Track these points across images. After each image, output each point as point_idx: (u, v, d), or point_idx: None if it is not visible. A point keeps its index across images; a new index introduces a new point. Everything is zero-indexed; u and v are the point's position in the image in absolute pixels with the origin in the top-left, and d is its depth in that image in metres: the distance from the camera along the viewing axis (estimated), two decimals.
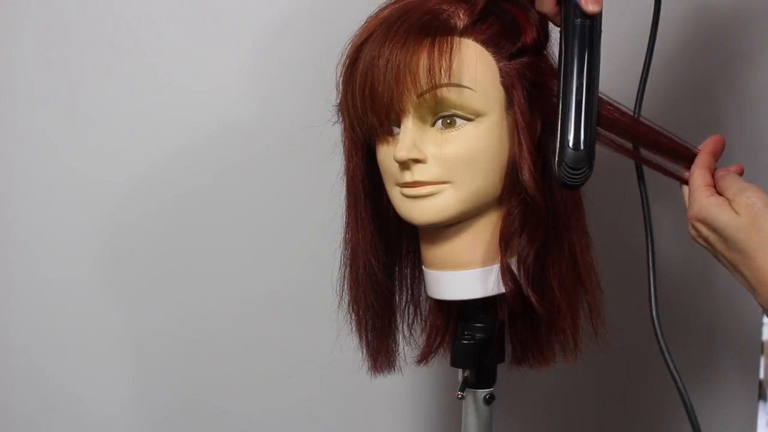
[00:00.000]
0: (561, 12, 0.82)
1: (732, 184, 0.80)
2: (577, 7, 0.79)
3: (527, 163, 0.84)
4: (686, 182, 0.85)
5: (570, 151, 0.78)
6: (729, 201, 0.78)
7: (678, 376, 0.84)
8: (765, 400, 1.45)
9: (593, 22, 0.80)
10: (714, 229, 0.77)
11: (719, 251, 0.78)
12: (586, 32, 0.80)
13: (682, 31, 1.25)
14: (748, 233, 0.75)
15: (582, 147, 0.78)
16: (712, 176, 0.84)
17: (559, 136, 0.79)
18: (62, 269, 1.29)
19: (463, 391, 0.92)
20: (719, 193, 0.81)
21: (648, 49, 0.89)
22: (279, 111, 1.27)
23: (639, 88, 0.89)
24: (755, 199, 0.76)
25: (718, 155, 0.85)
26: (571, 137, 0.78)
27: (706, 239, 0.79)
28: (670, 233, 1.32)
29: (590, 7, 0.79)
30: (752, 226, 0.75)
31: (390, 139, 0.85)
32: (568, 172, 0.78)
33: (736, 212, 0.76)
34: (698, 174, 0.83)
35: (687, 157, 0.86)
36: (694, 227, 0.80)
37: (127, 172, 1.28)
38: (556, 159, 0.79)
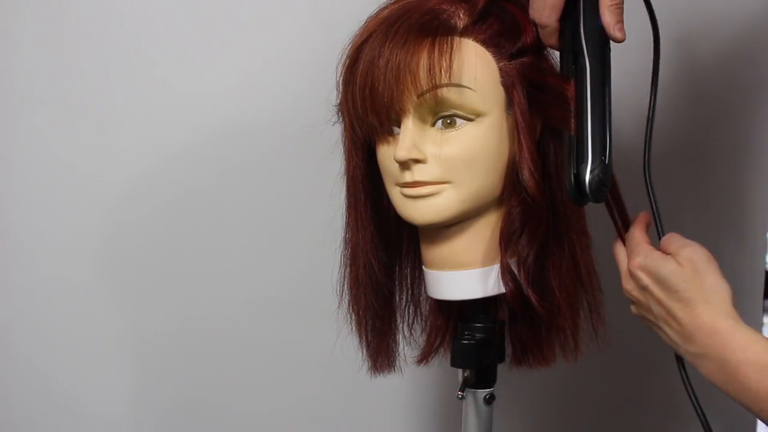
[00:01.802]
0: (578, 34, 0.82)
1: (674, 241, 0.82)
2: (603, 32, 0.81)
3: (527, 163, 0.84)
4: (622, 239, 0.87)
5: (605, 167, 0.80)
6: (672, 255, 0.81)
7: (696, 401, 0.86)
8: None
9: (609, 47, 0.83)
10: (657, 279, 0.80)
11: (657, 299, 0.80)
12: (607, 56, 0.83)
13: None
14: (691, 283, 0.78)
15: (611, 162, 0.82)
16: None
17: (590, 152, 0.80)
18: (62, 269, 1.29)
19: (463, 391, 0.92)
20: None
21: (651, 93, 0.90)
22: (279, 111, 1.27)
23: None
24: (697, 256, 0.79)
25: (647, 229, 0.88)
26: (605, 153, 0.81)
27: (644, 288, 0.81)
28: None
29: (619, 35, 0.81)
30: (695, 278, 0.78)
31: (390, 139, 0.85)
32: (601, 187, 0.81)
33: (680, 264, 0.79)
34: (640, 231, 0.86)
35: (623, 216, 0.89)
36: (634, 276, 0.82)
37: (127, 173, 1.28)
38: (587, 175, 0.80)
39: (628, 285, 0.84)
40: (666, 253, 0.82)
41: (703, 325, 0.77)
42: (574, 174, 0.81)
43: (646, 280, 0.81)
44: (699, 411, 0.86)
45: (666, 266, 0.79)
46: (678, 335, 0.79)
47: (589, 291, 0.93)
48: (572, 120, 0.81)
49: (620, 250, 0.86)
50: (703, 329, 0.77)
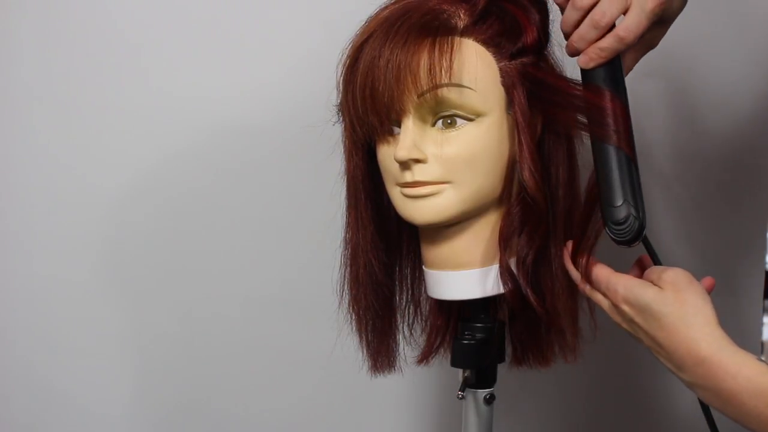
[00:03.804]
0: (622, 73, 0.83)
1: (654, 269, 0.81)
2: None
3: (528, 163, 0.84)
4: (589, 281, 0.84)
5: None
6: (653, 281, 0.79)
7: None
8: None
9: None
10: (640, 309, 0.77)
11: (644, 331, 0.78)
12: None
13: None
14: (672, 306, 0.75)
15: None
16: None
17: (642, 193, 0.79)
18: (62, 270, 1.29)
19: (463, 391, 0.92)
20: None
21: None
22: (279, 111, 1.27)
23: None
24: (678, 277, 0.77)
25: None
26: None
27: (630, 321, 0.79)
28: (669, 233, 1.32)
29: None
30: (676, 299, 0.76)
31: (390, 139, 0.85)
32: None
33: (661, 287, 0.77)
34: (603, 266, 0.83)
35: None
36: (619, 311, 0.80)
37: (127, 173, 1.28)
38: (644, 219, 0.78)
39: (616, 318, 0.82)
40: (648, 280, 0.80)
41: (689, 352, 0.74)
42: (642, 214, 0.78)
43: (630, 312, 0.79)
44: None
45: (646, 293, 0.77)
46: (670, 363, 0.77)
47: (573, 293, 0.92)
48: (624, 140, 0.80)
49: (593, 291, 0.84)
50: (690, 357, 0.74)
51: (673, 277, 0.78)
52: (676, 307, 0.75)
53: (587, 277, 0.84)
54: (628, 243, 0.79)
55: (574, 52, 0.83)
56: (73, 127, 1.26)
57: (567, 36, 0.84)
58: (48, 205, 1.28)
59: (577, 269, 0.85)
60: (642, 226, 0.78)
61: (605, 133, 0.80)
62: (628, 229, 0.78)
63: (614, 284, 0.80)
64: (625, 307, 0.79)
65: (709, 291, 0.79)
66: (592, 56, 0.81)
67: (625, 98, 0.81)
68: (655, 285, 0.78)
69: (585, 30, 0.82)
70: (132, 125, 1.27)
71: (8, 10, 1.24)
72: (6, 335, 1.31)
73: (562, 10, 0.85)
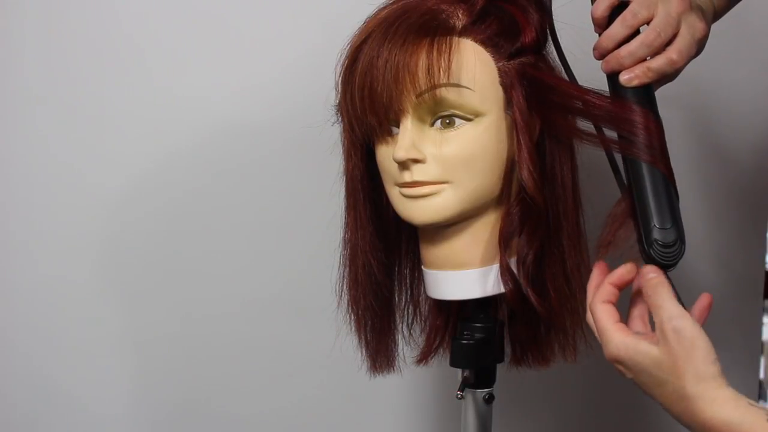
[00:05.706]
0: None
1: (663, 304, 0.72)
2: None
3: (526, 163, 0.84)
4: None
5: None
6: (655, 326, 0.73)
7: None
8: (765, 400, 1.45)
9: None
10: (636, 369, 0.73)
11: (644, 389, 0.74)
12: None
13: None
14: (672, 375, 0.70)
15: None
16: (640, 277, 0.77)
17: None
18: (62, 270, 1.30)
19: (462, 391, 0.92)
20: (641, 310, 0.77)
21: None
22: (279, 111, 1.27)
23: None
24: (681, 334, 0.70)
25: (621, 288, 0.78)
26: None
27: (622, 374, 0.75)
28: None
29: None
30: (674, 369, 0.70)
31: (389, 139, 0.85)
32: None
33: (659, 344, 0.71)
34: (603, 309, 0.76)
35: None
36: (613, 366, 0.75)
37: (127, 173, 1.28)
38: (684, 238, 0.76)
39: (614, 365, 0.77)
40: (651, 312, 0.74)
41: (695, 421, 0.69)
42: (684, 237, 0.75)
43: (628, 374, 0.74)
44: None
45: (643, 360, 0.72)
46: (678, 420, 0.72)
47: (573, 293, 0.90)
48: (666, 161, 0.79)
49: (591, 323, 0.78)
50: (697, 424, 0.69)
51: (675, 338, 0.70)
52: (678, 372, 0.70)
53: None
54: (670, 267, 0.75)
55: (615, 68, 0.82)
56: (73, 126, 1.27)
57: (606, 51, 0.83)
58: (48, 204, 1.28)
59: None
60: (684, 251, 0.75)
61: (652, 155, 0.79)
62: (674, 252, 0.75)
63: (607, 339, 0.75)
64: (619, 367, 0.75)
65: (708, 307, 0.75)
66: (638, 74, 0.81)
67: (660, 118, 0.81)
68: (650, 337, 0.73)
69: (636, 47, 0.81)
70: (132, 125, 1.27)
71: (8, 10, 1.24)
72: (7, 335, 1.31)
73: (600, 26, 0.85)
